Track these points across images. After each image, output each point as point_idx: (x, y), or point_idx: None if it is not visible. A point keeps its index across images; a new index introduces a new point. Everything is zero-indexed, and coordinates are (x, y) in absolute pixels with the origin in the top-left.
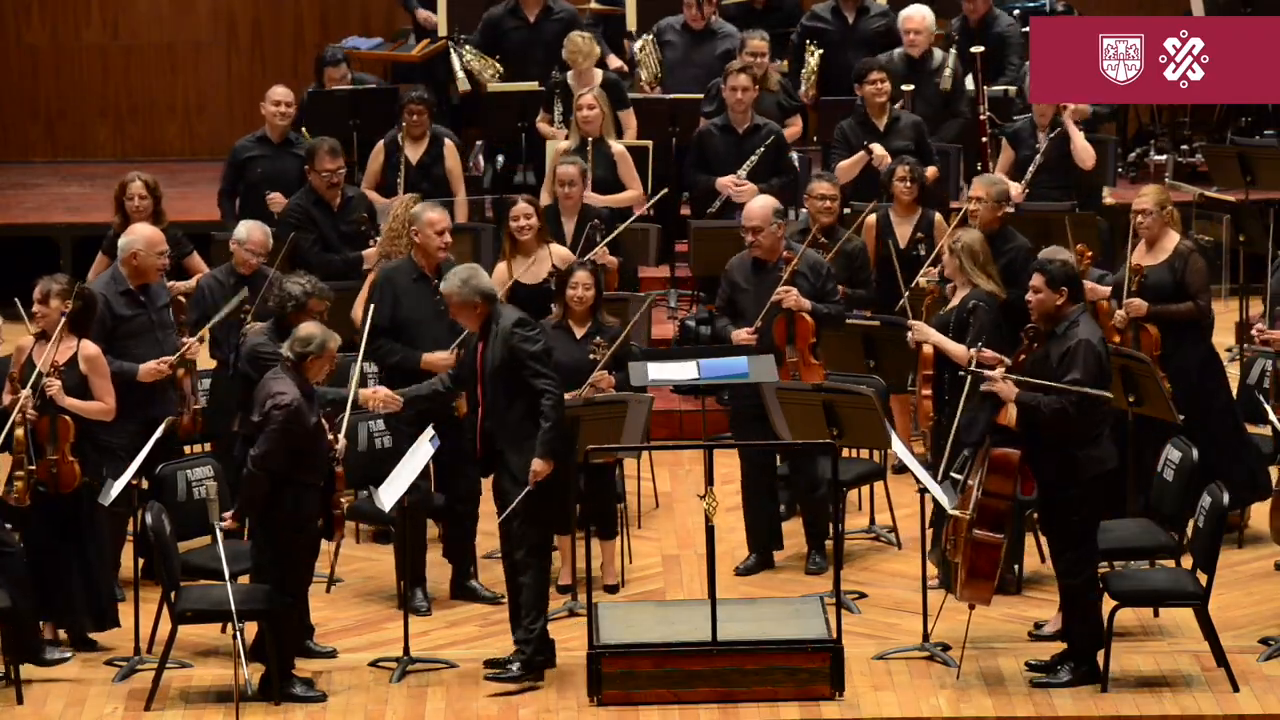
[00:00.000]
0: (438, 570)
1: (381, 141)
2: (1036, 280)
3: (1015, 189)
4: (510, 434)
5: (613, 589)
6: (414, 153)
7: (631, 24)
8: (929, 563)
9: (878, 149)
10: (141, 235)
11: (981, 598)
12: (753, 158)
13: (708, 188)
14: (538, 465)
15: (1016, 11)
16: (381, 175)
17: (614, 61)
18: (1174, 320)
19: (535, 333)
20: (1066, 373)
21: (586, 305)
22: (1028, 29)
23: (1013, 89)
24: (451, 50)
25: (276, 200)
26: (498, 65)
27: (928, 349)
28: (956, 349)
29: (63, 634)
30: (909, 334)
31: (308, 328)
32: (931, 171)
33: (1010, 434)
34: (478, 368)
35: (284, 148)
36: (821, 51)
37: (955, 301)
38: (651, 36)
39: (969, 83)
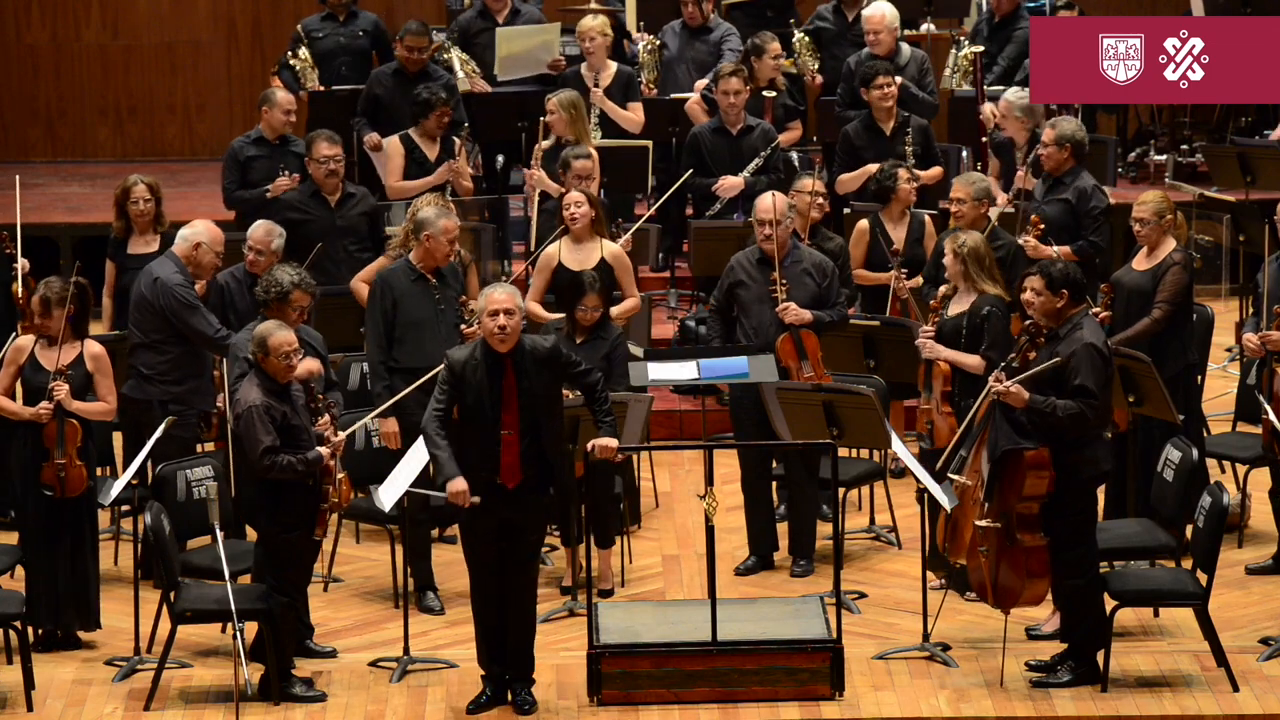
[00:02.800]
0: (440, 570)
1: (396, 138)
2: (1036, 283)
3: (1002, 197)
4: (558, 450)
5: (608, 594)
6: (427, 153)
7: (631, 24)
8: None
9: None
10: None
11: (1042, 595)
12: (757, 160)
13: (706, 190)
14: (611, 442)
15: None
16: (404, 172)
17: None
18: (1137, 341)
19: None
20: (1074, 378)
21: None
22: None
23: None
24: (451, 50)
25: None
26: (477, 69)
27: (944, 365)
28: (970, 360)
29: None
30: (922, 351)
31: (261, 329)
32: (937, 172)
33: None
34: (505, 395)
35: (281, 146)
36: (811, 29)
37: (964, 306)
38: (656, 39)
39: (957, 79)
